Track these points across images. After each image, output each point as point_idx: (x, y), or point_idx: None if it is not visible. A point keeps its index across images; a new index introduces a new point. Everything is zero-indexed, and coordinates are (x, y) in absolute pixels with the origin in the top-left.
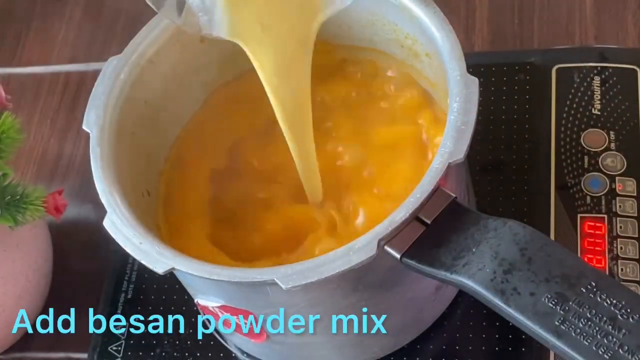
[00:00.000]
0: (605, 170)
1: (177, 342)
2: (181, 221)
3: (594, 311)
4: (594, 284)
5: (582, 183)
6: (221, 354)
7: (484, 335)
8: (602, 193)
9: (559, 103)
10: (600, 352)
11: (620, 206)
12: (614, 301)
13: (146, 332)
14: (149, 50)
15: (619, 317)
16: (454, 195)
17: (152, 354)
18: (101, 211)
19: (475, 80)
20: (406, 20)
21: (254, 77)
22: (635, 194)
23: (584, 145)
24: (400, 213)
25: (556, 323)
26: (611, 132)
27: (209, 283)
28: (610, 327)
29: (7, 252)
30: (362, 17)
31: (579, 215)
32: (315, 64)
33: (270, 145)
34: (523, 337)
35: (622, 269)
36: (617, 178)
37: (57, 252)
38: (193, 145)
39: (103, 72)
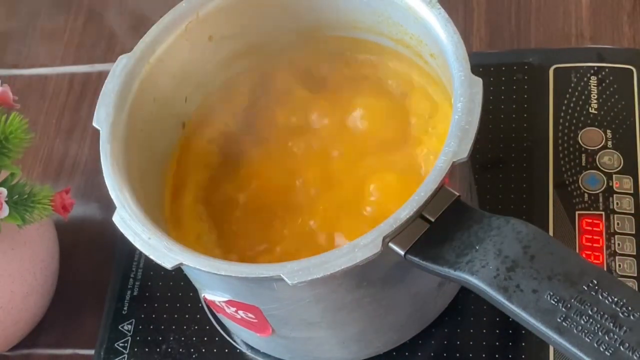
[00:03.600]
0: (602, 168)
1: (183, 339)
2: (186, 217)
3: (595, 309)
4: (595, 282)
5: (579, 181)
6: (226, 350)
7: (484, 331)
8: (600, 190)
9: (556, 102)
10: (601, 349)
11: (617, 203)
12: (615, 299)
13: (152, 329)
14: (158, 49)
15: (620, 314)
16: (457, 194)
17: (158, 350)
18: (106, 210)
19: (479, 81)
20: (411, 21)
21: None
22: (632, 191)
23: (581, 143)
24: (405, 211)
25: (558, 320)
26: (608, 131)
27: (216, 278)
28: (611, 324)
29: (15, 251)
30: (367, 18)
31: (577, 213)
32: (319, 66)
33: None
34: (523, 332)
35: (619, 265)
36: (614, 176)
37: (63, 251)
38: (198, 142)
39: (113, 70)
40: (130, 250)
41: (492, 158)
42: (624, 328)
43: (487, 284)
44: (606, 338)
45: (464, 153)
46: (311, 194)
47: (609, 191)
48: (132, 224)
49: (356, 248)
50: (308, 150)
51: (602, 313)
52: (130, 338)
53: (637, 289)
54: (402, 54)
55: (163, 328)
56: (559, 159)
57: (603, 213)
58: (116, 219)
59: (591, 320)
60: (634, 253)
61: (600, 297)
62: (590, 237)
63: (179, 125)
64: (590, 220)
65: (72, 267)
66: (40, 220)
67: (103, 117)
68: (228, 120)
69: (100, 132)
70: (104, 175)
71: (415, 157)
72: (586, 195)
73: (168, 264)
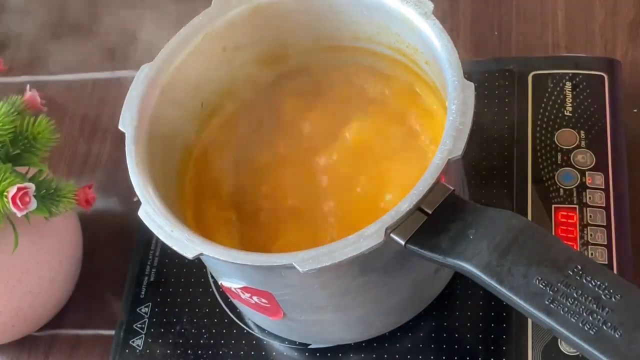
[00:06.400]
0: (576, 166)
1: (195, 320)
2: (206, 212)
3: (580, 292)
4: (579, 268)
5: (555, 177)
6: (234, 330)
7: (474, 312)
8: (574, 186)
9: (535, 106)
10: (586, 329)
11: (590, 197)
12: (598, 282)
13: (167, 311)
14: (176, 59)
15: (603, 297)
16: (452, 188)
17: (172, 330)
18: (125, 203)
19: (471, 85)
20: (408, 31)
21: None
22: (603, 187)
23: (557, 143)
24: (405, 204)
25: (546, 302)
26: (581, 132)
27: (233, 267)
28: (594, 305)
29: (43, 240)
30: (367, 29)
31: (553, 206)
32: (323, 73)
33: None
34: (504, 314)
35: (592, 254)
36: (587, 172)
37: (86, 240)
38: (216, 144)
39: (136, 78)
40: (147, 239)
41: (476, 156)
42: (607, 309)
43: (480, 270)
44: (590, 318)
45: (458, 151)
46: (325, 193)
47: (582, 187)
48: (156, 218)
49: (361, 238)
50: (318, 151)
51: (586, 295)
52: (147, 320)
53: None
54: (399, 61)
55: (177, 311)
56: (537, 157)
57: (577, 206)
58: (141, 213)
59: (576, 302)
60: (605, 243)
61: (585, 281)
62: (565, 228)
63: (196, 128)
64: (565, 213)
65: (94, 255)
66: (65, 212)
67: (128, 121)
68: (241, 123)
69: (126, 134)
70: (130, 174)
71: (413, 155)
72: (561, 190)
73: (190, 254)
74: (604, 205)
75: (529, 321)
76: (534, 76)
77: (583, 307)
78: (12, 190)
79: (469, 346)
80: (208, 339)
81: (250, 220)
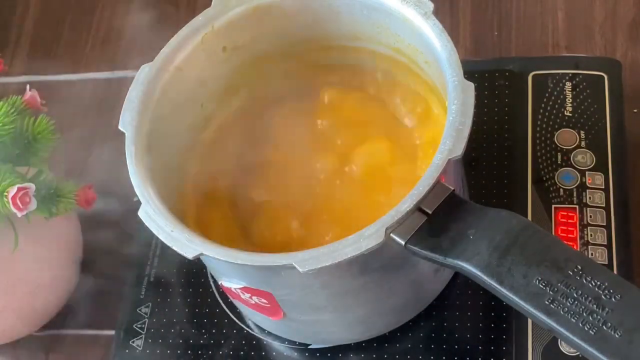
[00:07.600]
0: (576, 166)
1: (195, 321)
2: (206, 212)
3: (580, 292)
4: (580, 268)
5: (555, 177)
6: (234, 330)
7: (475, 312)
8: (574, 186)
9: (534, 106)
10: (586, 329)
11: (590, 198)
12: (598, 283)
13: (167, 312)
14: (177, 59)
15: (603, 297)
16: (452, 188)
17: (172, 331)
18: (125, 203)
19: (471, 85)
20: (408, 31)
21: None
22: (603, 187)
23: (557, 143)
24: (405, 204)
25: (546, 303)
26: (581, 132)
27: (233, 267)
28: (595, 306)
29: (43, 240)
30: (367, 29)
31: (553, 206)
32: (321, 73)
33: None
34: (504, 314)
35: (592, 254)
36: (587, 173)
37: (86, 240)
38: (216, 144)
39: (136, 78)
40: (147, 239)
41: (476, 156)
42: (607, 309)
43: (480, 270)
44: (590, 318)
45: (458, 151)
46: (324, 192)
47: (582, 187)
48: (156, 218)
49: (361, 238)
50: (318, 150)
51: (586, 296)
52: (147, 320)
53: None
54: (399, 61)
55: (177, 311)
56: (537, 157)
57: (577, 207)
58: (141, 213)
59: (576, 302)
60: (605, 243)
61: (585, 281)
62: (565, 228)
63: (196, 128)
64: (565, 213)
65: (94, 256)
66: (65, 212)
67: (128, 121)
68: (241, 123)
69: (125, 134)
70: (130, 174)
71: (413, 155)
72: (561, 190)
73: (189, 254)
74: (604, 205)
75: (529, 321)
76: (533, 76)
77: (583, 307)
78: (12, 191)
79: (469, 346)
80: (208, 339)
81: (250, 220)
